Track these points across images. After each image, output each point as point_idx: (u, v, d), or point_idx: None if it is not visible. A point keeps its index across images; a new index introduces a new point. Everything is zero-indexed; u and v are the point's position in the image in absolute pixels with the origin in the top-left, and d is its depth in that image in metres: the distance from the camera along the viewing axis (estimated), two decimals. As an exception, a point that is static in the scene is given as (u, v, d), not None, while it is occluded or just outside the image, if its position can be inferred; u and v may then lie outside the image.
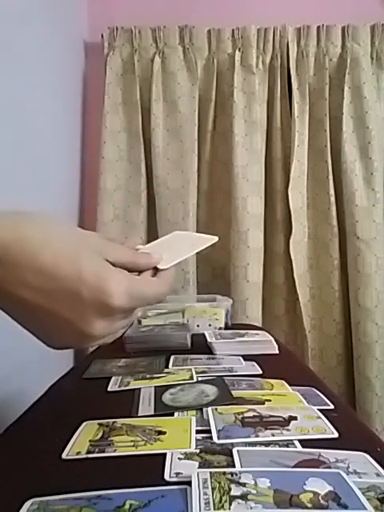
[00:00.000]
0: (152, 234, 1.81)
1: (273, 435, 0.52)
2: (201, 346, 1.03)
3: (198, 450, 0.49)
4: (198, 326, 1.24)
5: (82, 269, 0.35)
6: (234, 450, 0.49)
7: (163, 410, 0.62)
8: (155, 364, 0.86)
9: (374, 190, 1.75)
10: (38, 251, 0.34)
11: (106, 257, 0.39)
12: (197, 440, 0.52)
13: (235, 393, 0.67)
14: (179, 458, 0.47)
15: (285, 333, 1.81)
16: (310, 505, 0.38)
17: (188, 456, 0.48)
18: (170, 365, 0.86)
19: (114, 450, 0.50)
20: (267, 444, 0.51)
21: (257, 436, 0.52)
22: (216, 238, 0.53)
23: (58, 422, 0.59)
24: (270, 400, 0.64)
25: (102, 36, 1.81)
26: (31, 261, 0.33)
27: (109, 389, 0.73)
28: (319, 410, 0.60)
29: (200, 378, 0.74)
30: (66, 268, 0.34)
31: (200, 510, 0.37)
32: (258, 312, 1.74)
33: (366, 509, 0.37)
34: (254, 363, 0.85)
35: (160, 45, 1.80)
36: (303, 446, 0.50)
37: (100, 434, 0.54)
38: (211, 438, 0.52)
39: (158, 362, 0.87)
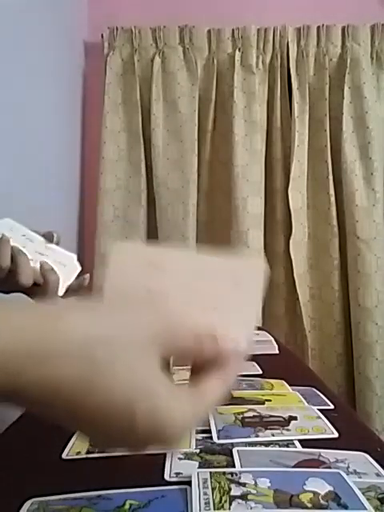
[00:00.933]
0: (152, 234, 1.81)
1: (273, 435, 0.52)
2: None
3: (198, 450, 0.49)
4: (198, 325, 1.24)
5: (135, 415, 0.27)
6: (234, 450, 0.49)
7: (163, 410, 0.61)
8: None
9: (374, 190, 1.74)
10: (81, 399, 0.27)
11: (164, 352, 0.30)
12: (197, 440, 0.52)
13: (235, 393, 0.67)
14: (179, 458, 0.47)
15: (285, 333, 1.81)
16: (310, 505, 0.38)
17: (188, 456, 0.48)
18: (170, 364, 0.85)
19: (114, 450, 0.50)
20: (267, 444, 0.51)
21: (257, 436, 0.52)
22: (263, 265, 0.38)
23: (58, 421, 0.59)
24: (270, 400, 0.64)
25: (102, 36, 1.81)
26: (74, 406, 0.27)
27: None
28: (319, 409, 0.60)
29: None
30: (117, 413, 0.27)
31: (200, 510, 0.37)
32: (257, 312, 1.74)
33: (365, 509, 0.37)
34: (254, 363, 0.85)
35: (160, 45, 1.80)
36: (303, 446, 0.50)
37: (100, 434, 0.54)
38: (211, 437, 0.52)
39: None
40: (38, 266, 0.65)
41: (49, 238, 0.70)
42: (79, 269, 0.71)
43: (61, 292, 0.67)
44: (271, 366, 0.84)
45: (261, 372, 0.80)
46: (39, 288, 0.65)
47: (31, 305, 0.28)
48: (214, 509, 0.37)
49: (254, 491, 0.39)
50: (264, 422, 0.56)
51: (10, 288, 0.67)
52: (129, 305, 0.32)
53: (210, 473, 0.43)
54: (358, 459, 0.47)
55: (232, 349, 0.33)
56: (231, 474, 0.43)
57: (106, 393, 0.27)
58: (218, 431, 0.53)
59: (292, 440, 0.51)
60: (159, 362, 0.30)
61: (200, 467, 0.45)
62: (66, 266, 0.68)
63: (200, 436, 0.53)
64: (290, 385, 0.72)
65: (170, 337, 0.30)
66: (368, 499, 0.39)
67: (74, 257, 0.71)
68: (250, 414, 0.59)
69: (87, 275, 0.72)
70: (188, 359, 0.33)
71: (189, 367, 0.34)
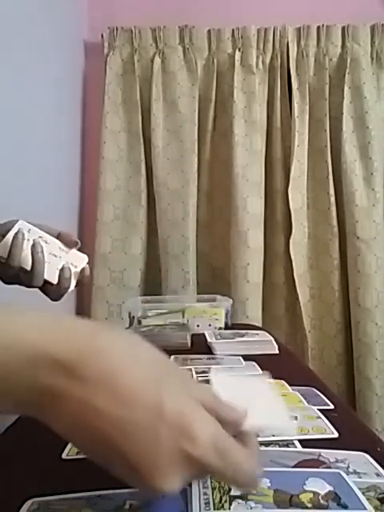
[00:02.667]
0: (152, 234, 1.82)
1: (273, 435, 0.52)
2: (201, 345, 1.03)
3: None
4: (197, 325, 1.24)
5: (163, 401, 0.29)
6: (234, 450, 0.49)
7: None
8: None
9: (374, 190, 1.75)
10: (116, 369, 0.29)
11: (190, 393, 0.32)
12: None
13: (235, 393, 0.67)
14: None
15: (285, 333, 1.81)
16: (309, 505, 0.38)
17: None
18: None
19: (114, 450, 0.50)
20: (267, 444, 0.51)
21: (257, 436, 0.52)
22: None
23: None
24: (270, 400, 0.64)
25: (102, 36, 1.81)
26: (107, 380, 0.28)
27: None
28: (319, 409, 0.60)
29: (200, 378, 0.74)
30: (145, 396, 0.28)
31: (200, 510, 0.37)
32: (257, 312, 1.74)
33: (365, 509, 0.37)
34: (254, 363, 0.85)
35: (160, 45, 1.80)
36: (303, 446, 0.50)
37: (100, 434, 0.53)
38: (211, 437, 0.52)
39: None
40: (53, 268, 0.69)
41: (71, 244, 0.73)
42: (86, 260, 0.74)
43: (70, 290, 0.71)
44: (271, 366, 0.84)
45: (261, 372, 0.80)
46: (51, 286, 0.69)
47: (70, 318, 0.31)
48: (214, 509, 0.37)
49: (254, 491, 0.39)
50: (264, 422, 0.55)
51: (20, 283, 0.70)
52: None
53: (210, 473, 0.42)
54: (358, 459, 0.47)
55: (247, 425, 0.35)
56: (231, 474, 0.42)
57: (136, 373, 0.30)
58: (218, 431, 0.53)
59: (292, 440, 0.51)
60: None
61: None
62: (77, 267, 0.72)
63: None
64: (290, 385, 0.72)
65: (190, 385, 0.33)
66: (368, 499, 0.39)
67: (86, 258, 0.74)
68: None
69: (87, 269, 0.74)
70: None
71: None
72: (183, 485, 0.29)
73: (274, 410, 0.46)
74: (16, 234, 0.66)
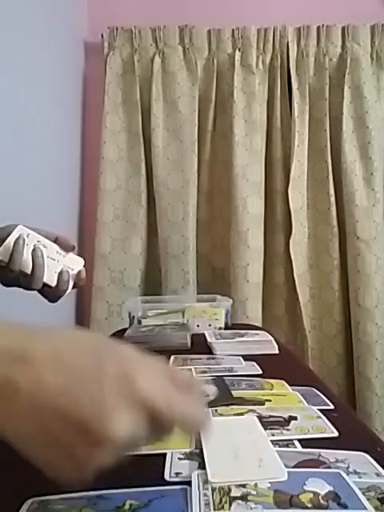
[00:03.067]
0: (152, 234, 1.82)
1: (273, 435, 0.52)
2: (201, 345, 1.03)
3: (198, 450, 0.49)
4: (198, 326, 1.24)
5: (107, 362, 0.32)
6: (234, 450, 0.49)
7: (163, 410, 0.61)
8: (155, 364, 0.86)
9: (374, 190, 1.75)
10: (60, 349, 0.32)
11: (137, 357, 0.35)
12: (197, 440, 0.52)
13: (235, 393, 0.67)
14: (179, 458, 0.47)
15: (285, 333, 1.81)
16: (309, 505, 0.38)
17: (188, 456, 0.48)
18: (170, 365, 0.86)
19: (114, 450, 0.50)
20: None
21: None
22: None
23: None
24: (270, 400, 0.64)
25: (102, 36, 1.81)
26: (53, 358, 0.31)
27: (109, 389, 0.73)
28: (319, 409, 0.60)
29: (200, 378, 0.74)
30: (88, 362, 0.31)
31: (200, 511, 0.37)
32: (257, 312, 1.74)
33: (366, 509, 0.37)
34: (254, 363, 0.85)
35: (160, 45, 1.80)
36: (303, 446, 0.50)
37: (100, 434, 0.53)
38: (211, 438, 0.52)
39: (158, 362, 0.87)
40: (52, 272, 0.71)
41: (68, 248, 0.75)
42: (82, 264, 0.76)
43: (67, 292, 0.73)
44: (271, 366, 0.84)
45: (261, 372, 0.80)
46: (50, 289, 0.71)
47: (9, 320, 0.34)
48: (214, 509, 0.37)
49: (254, 492, 0.39)
50: (264, 422, 0.55)
51: (19, 286, 0.72)
52: None
53: (210, 473, 0.42)
54: (358, 459, 0.47)
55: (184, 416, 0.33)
56: (231, 474, 0.42)
57: (79, 346, 0.33)
58: (218, 431, 0.53)
59: (292, 440, 0.51)
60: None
61: (200, 467, 0.45)
62: (73, 270, 0.74)
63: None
64: (290, 385, 0.72)
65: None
66: (368, 499, 0.39)
67: (82, 262, 0.76)
68: (250, 414, 0.58)
69: (83, 272, 0.76)
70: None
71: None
72: (134, 431, 0.30)
73: (264, 455, 0.47)
74: (17, 239, 0.67)
